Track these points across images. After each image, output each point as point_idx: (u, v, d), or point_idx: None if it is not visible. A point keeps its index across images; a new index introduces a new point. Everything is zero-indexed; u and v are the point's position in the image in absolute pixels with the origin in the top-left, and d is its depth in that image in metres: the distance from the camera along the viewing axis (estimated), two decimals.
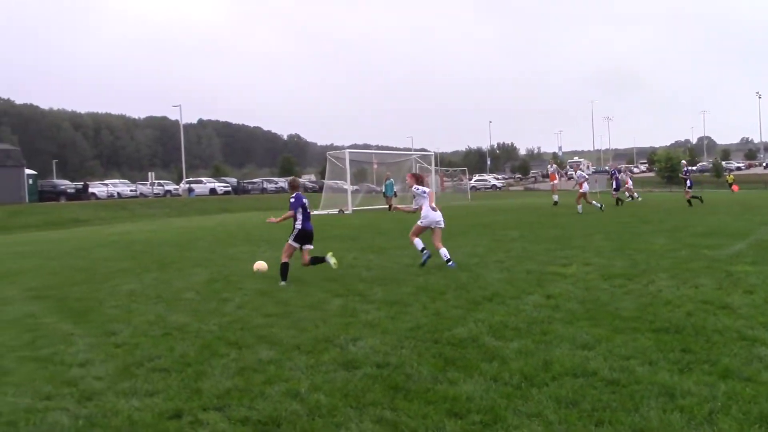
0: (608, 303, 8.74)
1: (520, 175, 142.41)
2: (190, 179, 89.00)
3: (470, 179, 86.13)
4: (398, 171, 47.05)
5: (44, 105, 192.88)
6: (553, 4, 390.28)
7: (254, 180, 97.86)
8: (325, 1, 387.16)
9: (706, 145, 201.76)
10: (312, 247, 12.45)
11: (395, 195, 38.04)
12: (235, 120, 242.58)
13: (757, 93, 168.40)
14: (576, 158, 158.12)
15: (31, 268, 15.90)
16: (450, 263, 12.63)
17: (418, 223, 13.38)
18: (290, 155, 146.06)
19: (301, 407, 5.40)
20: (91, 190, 69.58)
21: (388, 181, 37.41)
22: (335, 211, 38.15)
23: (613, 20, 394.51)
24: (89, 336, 8.29)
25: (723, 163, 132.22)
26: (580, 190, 28.95)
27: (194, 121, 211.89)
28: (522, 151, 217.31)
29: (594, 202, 28.69)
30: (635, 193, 38.16)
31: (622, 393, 5.36)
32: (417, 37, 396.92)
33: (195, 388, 6.01)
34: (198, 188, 77.85)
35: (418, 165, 48.30)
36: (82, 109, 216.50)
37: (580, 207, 28.13)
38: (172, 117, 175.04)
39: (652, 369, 5.91)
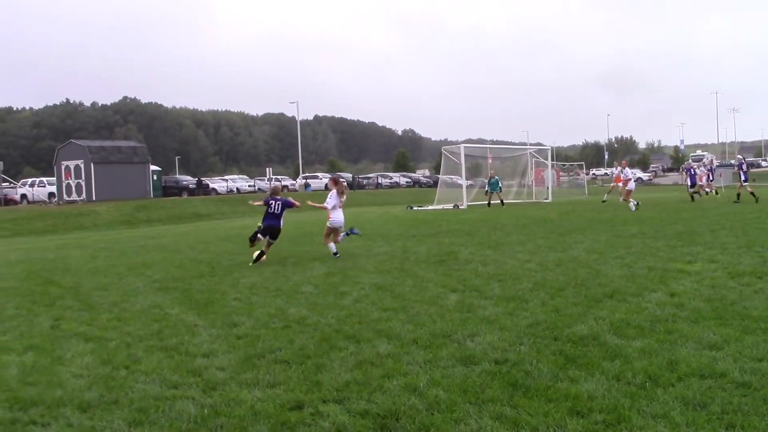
0: (736, 302, 8.39)
1: (638, 170, 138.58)
2: (307, 174, 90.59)
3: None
4: (514, 165, 46.68)
5: (168, 104, 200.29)
6: None
7: (369, 175, 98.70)
8: None
9: None
10: (273, 242, 15.37)
11: (500, 190, 37.65)
12: (350, 116, 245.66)
13: None
14: (699, 151, 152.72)
15: (156, 260, 16.53)
16: (336, 255, 14.95)
17: (328, 224, 15.38)
18: (404, 150, 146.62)
19: (420, 402, 5.42)
20: (211, 185, 71.70)
21: (493, 179, 37.10)
22: (450, 205, 38.12)
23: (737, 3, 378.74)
24: (212, 327, 8.56)
25: None
26: (627, 188, 29.02)
27: (310, 117, 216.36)
28: (641, 145, 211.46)
29: (631, 201, 28.29)
30: (708, 189, 36.50)
31: (754, 396, 5.14)
32: (528, 31, 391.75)
33: (315, 380, 6.11)
34: (314, 183, 79.04)
35: (534, 159, 47.72)
36: (203, 107, 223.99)
37: (632, 204, 27.85)
38: (289, 113, 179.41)
39: None
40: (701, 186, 35.84)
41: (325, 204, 15.36)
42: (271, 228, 15.05)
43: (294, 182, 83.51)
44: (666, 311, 8.07)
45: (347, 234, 16.00)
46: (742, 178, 30.68)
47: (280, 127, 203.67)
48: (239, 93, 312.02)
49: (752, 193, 30.20)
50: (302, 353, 7.05)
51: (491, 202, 36.89)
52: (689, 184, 34.67)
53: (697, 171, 35.97)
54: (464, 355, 6.60)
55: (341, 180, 16.77)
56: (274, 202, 15.19)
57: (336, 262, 14.17)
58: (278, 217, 15.13)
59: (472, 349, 6.81)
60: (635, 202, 27.87)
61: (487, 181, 38.55)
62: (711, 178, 31.32)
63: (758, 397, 5.11)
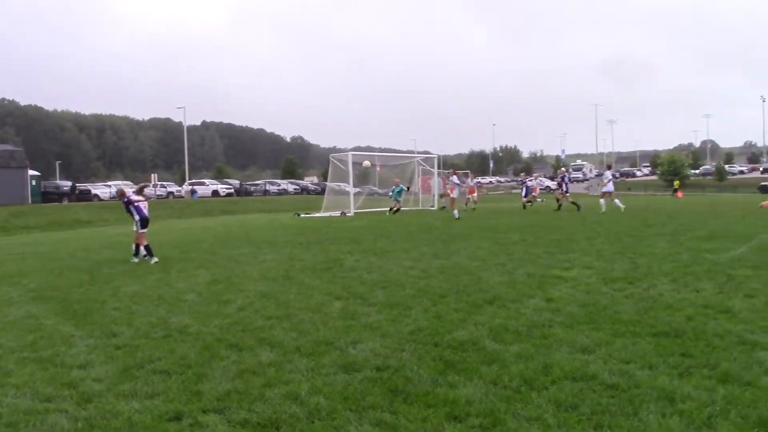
0: (608, 307, 8.74)
1: (519, 178, 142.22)
2: (193, 181, 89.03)
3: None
4: (402, 173, 47.09)
5: (48, 106, 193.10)
6: (553, 6, 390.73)
7: (257, 182, 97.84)
8: (327, 3, 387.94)
9: (709, 148, 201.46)
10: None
11: (398, 201, 38.48)
12: (238, 122, 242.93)
13: (762, 97, 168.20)
14: (579, 161, 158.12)
15: (33, 269, 15.92)
16: (134, 259, 16.17)
17: (141, 231, 16.30)
18: (293, 157, 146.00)
19: (301, 410, 5.41)
20: (93, 191, 69.53)
21: (397, 187, 38.03)
22: (337, 213, 38.19)
23: (615, 21, 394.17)
24: (90, 338, 8.31)
25: (726, 166, 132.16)
26: (451, 195, 31.80)
27: (198, 122, 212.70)
28: (525, 154, 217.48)
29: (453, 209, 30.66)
30: (539, 199, 41.04)
31: (621, 397, 5.37)
32: (419, 38, 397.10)
33: (195, 390, 6.02)
34: (201, 190, 77.85)
35: (421, 167, 48.31)
36: (86, 110, 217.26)
37: (455, 212, 30.05)
38: (176, 119, 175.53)
39: (651, 373, 5.92)
40: (534, 196, 39.46)
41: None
42: (146, 219, 16.69)
43: (180, 188, 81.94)
44: (543, 316, 8.32)
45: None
46: (564, 189, 33.40)
47: (166, 132, 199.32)
48: (124, 97, 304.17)
49: (573, 203, 32.67)
50: (183, 363, 6.93)
51: (394, 209, 37.56)
52: (523, 194, 38.39)
53: (529, 183, 39.98)
54: (346, 362, 6.63)
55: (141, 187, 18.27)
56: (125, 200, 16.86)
57: (222, 270, 13.97)
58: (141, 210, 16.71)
59: (355, 356, 6.85)
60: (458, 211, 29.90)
61: (391, 189, 39.73)
62: (566, 189, 33.66)
63: (625, 398, 5.34)
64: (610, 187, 31.54)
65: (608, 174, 32.85)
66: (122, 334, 8.38)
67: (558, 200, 34.74)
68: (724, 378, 5.69)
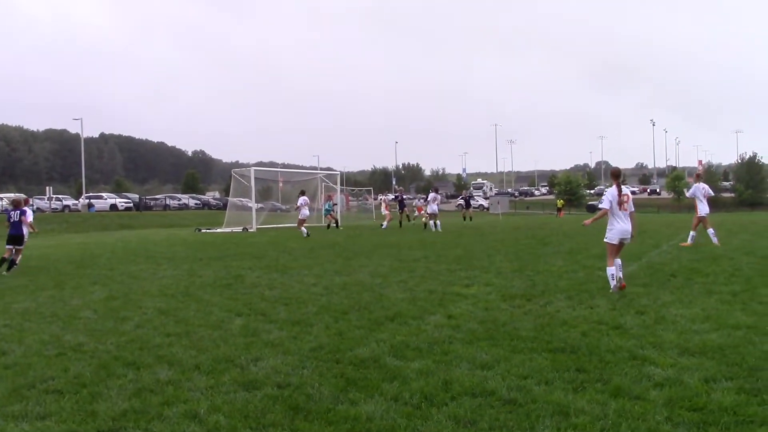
0: (507, 323, 8.91)
1: (424, 196, 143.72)
2: (90, 194, 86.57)
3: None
4: (305, 189, 47.01)
5: None
6: (459, 27, 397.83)
7: (157, 196, 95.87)
8: (227, 17, 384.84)
9: (603, 169, 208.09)
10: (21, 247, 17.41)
11: (336, 223, 39.59)
12: (138, 135, 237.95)
13: (652, 120, 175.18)
14: (479, 180, 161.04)
15: None
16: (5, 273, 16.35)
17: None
18: (194, 171, 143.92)
19: (200, 429, 5.32)
20: None
21: (329, 202, 39.17)
22: (239, 228, 37.82)
23: (511, 45, 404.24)
24: None
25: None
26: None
27: (96, 135, 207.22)
28: (427, 172, 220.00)
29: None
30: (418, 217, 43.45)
31: (518, 412, 5.47)
32: (323, 55, 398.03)
33: (90, 410, 5.84)
34: (98, 204, 75.64)
35: (324, 184, 48.32)
36: None
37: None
38: (72, 130, 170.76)
39: (548, 388, 6.06)
40: (416, 216, 42.81)
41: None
42: (12, 236, 17.11)
43: (76, 202, 79.49)
44: (443, 333, 8.42)
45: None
46: (472, 205, 37.14)
47: (62, 144, 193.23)
48: (18, 107, 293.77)
49: (465, 218, 37.63)
50: (77, 382, 6.71)
51: (330, 224, 38.46)
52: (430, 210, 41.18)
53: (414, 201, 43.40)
54: (247, 379, 6.55)
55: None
56: (14, 212, 17.47)
57: (119, 286, 13.62)
58: (17, 226, 17.29)
59: (255, 373, 6.78)
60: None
61: (324, 204, 41.15)
62: (468, 205, 37.92)
63: (522, 413, 5.44)
64: (434, 208, 33.13)
65: (433, 195, 34.30)
66: (12, 353, 8.06)
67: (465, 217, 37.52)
68: (616, 392, 5.87)
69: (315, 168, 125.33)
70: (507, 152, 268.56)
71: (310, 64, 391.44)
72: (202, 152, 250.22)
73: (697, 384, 6.03)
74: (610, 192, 11.91)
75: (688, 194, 12.10)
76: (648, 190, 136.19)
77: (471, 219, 42.19)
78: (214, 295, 12.12)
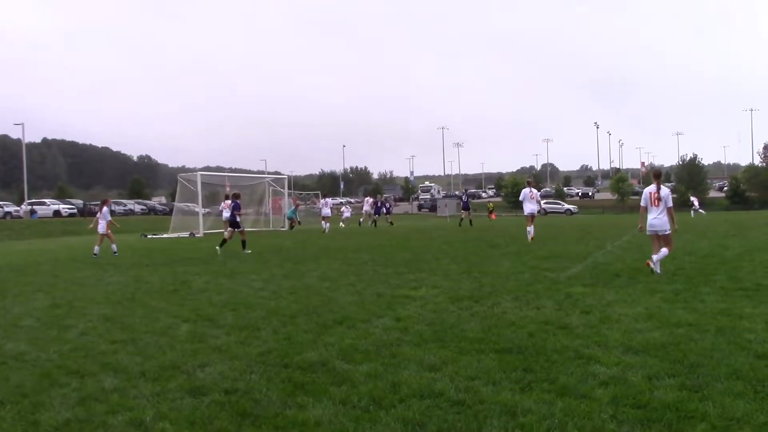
0: (455, 325, 8.95)
1: (387, 195, 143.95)
2: (33, 201, 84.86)
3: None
4: (252, 194, 46.69)
5: None
6: (400, 32, 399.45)
7: None
8: (164, 17, 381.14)
9: (549, 171, 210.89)
10: None
11: (299, 222, 41.39)
12: (82, 140, 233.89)
13: (596, 123, 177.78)
14: (427, 182, 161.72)
15: None
16: None
17: None
18: (140, 177, 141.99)
19: None
20: None
21: (292, 207, 41.22)
22: (186, 234, 37.44)
23: (456, 50, 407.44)
24: None
25: (564, 189, 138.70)
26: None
27: (38, 140, 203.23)
28: (375, 176, 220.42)
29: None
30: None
31: (467, 413, 5.49)
32: (269, 58, 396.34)
33: (32, 420, 5.71)
34: (41, 210, 74.31)
35: (271, 188, 48.06)
36: None
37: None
38: (14, 135, 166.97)
39: (495, 389, 6.09)
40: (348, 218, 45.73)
41: None
42: None
43: (19, 208, 77.83)
44: (392, 335, 8.42)
45: None
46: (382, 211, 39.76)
47: (3, 149, 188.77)
48: None
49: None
50: (18, 392, 6.55)
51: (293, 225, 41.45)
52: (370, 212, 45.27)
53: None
54: (194, 386, 6.47)
55: None
56: None
57: (63, 293, 13.36)
58: None
59: (202, 379, 6.70)
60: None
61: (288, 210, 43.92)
62: (378, 212, 42.66)
63: (470, 414, 5.47)
64: (327, 212, 39.83)
65: (327, 200, 41.77)
66: None
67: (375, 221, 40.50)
68: (562, 391, 5.93)
69: (263, 172, 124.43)
70: (454, 155, 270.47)
71: (256, 69, 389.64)
72: (148, 157, 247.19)
73: (640, 382, 6.11)
74: (645, 191, 13.79)
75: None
76: (581, 194, 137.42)
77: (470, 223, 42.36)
78: (161, 301, 11.97)
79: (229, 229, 24.05)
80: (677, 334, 7.97)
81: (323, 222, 39.03)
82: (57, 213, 74.88)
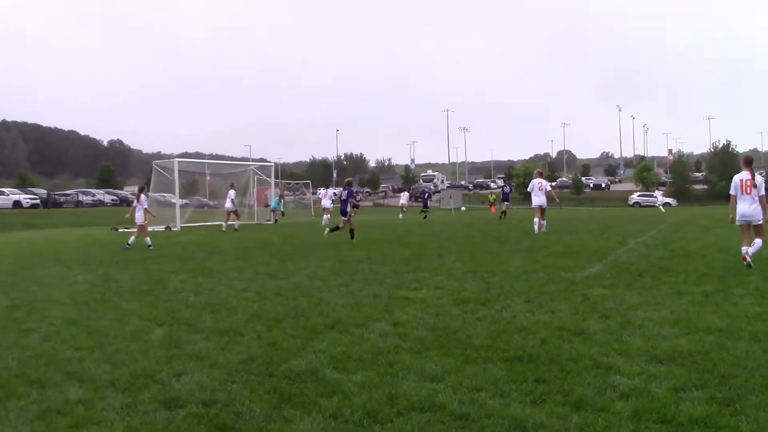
0: (459, 330, 8.95)
1: (368, 190, 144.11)
2: None
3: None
4: (236, 183, 46.70)
5: None
6: (400, 7, 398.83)
7: (68, 192, 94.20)
8: None
9: (566, 159, 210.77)
10: None
11: (283, 213, 41.32)
12: (46, 122, 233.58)
13: (618, 106, 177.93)
14: (430, 171, 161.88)
15: None
16: None
17: None
18: (110, 164, 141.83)
19: None
20: None
21: (277, 197, 41.13)
22: (162, 227, 37.41)
23: (460, 24, 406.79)
24: None
25: (583, 179, 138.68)
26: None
27: None
28: (372, 163, 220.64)
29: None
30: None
31: (471, 428, 5.50)
32: (255, 37, 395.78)
33: None
34: (0, 200, 74.22)
35: (256, 177, 48.04)
36: None
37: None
38: None
39: (503, 401, 6.09)
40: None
41: None
42: None
43: None
44: (389, 342, 8.42)
45: None
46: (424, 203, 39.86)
47: None
48: None
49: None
50: None
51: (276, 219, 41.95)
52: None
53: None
54: (168, 397, 6.47)
55: None
56: None
57: (23, 293, 13.35)
58: None
59: (178, 389, 6.70)
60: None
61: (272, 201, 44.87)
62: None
63: (475, 428, 5.47)
64: (327, 203, 42.06)
65: (328, 191, 43.97)
66: None
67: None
68: (578, 404, 5.93)
69: (246, 159, 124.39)
70: (460, 141, 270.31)
71: (242, 48, 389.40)
72: (120, 142, 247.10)
73: (665, 394, 6.12)
74: (735, 178, 14.52)
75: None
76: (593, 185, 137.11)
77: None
78: (133, 302, 11.97)
79: (342, 219, 26.21)
80: (707, 341, 7.98)
81: (324, 215, 40.88)
82: (17, 204, 74.57)
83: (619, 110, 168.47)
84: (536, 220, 26.16)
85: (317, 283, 13.53)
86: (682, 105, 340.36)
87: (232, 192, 36.45)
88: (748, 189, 14.12)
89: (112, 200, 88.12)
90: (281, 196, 43.26)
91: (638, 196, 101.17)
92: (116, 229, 38.49)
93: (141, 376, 7.21)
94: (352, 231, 25.38)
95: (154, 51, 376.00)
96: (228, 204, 36.04)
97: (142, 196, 25.64)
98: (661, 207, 64.59)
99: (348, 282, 13.62)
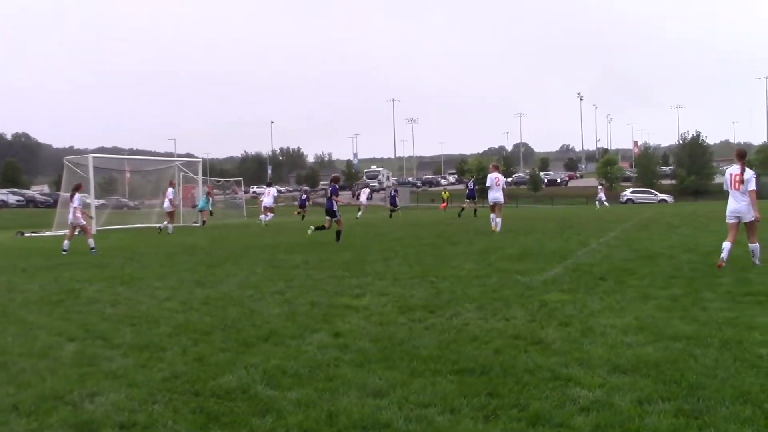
0: (405, 341, 8.98)
1: (307, 187, 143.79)
2: None
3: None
4: (158, 181, 46.30)
5: None
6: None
7: None
8: None
9: (522, 153, 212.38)
10: None
11: (211, 213, 41.25)
12: None
13: (578, 94, 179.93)
14: (374, 166, 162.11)
15: None
16: None
17: None
18: (14, 159, 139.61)
19: None
20: None
21: (204, 196, 41.04)
22: (76, 231, 36.98)
23: (408, 9, 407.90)
24: None
25: (541, 174, 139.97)
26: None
27: None
28: (310, 158, 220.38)
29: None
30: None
31: None
32: (181, 23, 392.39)
33: None
34: None
35: (182, 174, 47.65)
36: None
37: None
38: None
39: (453, 417, 6.13)
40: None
41: None
42: None
43: None
44: (328, 354, 8.42)
45: None
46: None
47: None
48: None
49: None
50: None
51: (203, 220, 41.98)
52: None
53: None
54: (80, 420, 6.39)
55: None
56: None
57: None
58: None
59: (92, 412, 6.62)
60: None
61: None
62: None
63: None
64: (269, 202, 43.53)
65: (272, 190, 46.32)
66: None
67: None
68: (535, 419, 5.99)
69: (171, 155, 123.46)
70: (407, 134, 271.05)
71: (166, 35, 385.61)
72: (26, 135, 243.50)
73: (629, 407, 6.20)
74: (726, 173, 15.29)
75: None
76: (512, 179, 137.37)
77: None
78: (41, 314, 11.81)
79: (327, 218, 26.35)
80: (674, 349, 8.11)
81: (265, 214, 41.75)
82: None
83: (581, 99, 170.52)
84: (493, 216, 26.64)
85: (249, 291, 13.47)
86: (649, 93, 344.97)
87: (170, 191, 36.89)
88: (737, 184, 14.59)
89: (18, 201, 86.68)
90: (209, 194, 42.84)
91: (631, 192, 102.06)
92: (22, 234, 37.95)
93: (49, 398, 7.11)
94: (338, 233, 25.37)
95: (67, 33, 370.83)
96: (166, 204, 36.58)
97: (76, 195, 25.73)
98: (599, 204, 65.53)
99: (283, 289, 13.59)
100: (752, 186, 14.55)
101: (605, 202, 66.92)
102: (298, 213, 54.71)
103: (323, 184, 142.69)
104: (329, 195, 26.16)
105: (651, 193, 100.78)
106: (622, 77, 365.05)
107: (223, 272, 16.71)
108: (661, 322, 9.58)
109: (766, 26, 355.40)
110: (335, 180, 27.07)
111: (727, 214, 14.96)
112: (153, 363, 8.35)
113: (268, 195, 44.57)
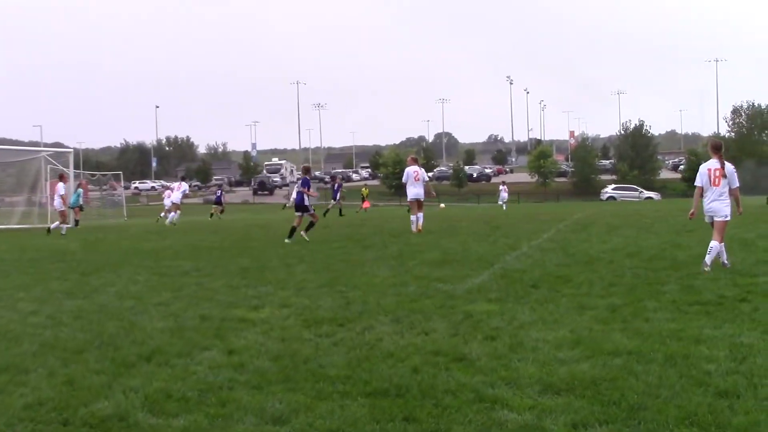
0: (310, 359, 8.97)
1: (198, 183, 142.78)
2: None
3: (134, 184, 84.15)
4: (21, 175, 45.48)
5: None
6: None
7: None
8: None
9: (445, 144, 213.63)
10: None
11: (81, 209, 40.38)
12: None
13: (509, 78, 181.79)
14: (275, 159, 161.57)
15: None
16: None
17: None
18: None
19: None
20: None
21: (77, 192, 40.01)
22: None
23: None
24: None
25: (466, 168, 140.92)
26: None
27: None
28: (202, 149, 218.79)
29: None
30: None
31: None
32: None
33: None
34: None
35: (50, 166, 46.89)
36: None
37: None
38: None
39: None
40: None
41: None
42: None
43: None
44: (221, 375, 8.36)
45: None
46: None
47: None
48: None
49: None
50: None
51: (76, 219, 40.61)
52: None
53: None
54: None
55: None
56: None
57: None
58: None
59: None
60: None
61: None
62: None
63: None
64: (177, 197, 43.57)
65: (182, 184, 46.05)
66: None
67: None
68: None
69: (37, 144, 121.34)
70: (313, 122, 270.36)
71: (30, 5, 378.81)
72: None
73: (562, 431, 6.29)
74: (702, 168, 15.52)
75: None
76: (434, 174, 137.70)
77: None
78: None
79: (297, 214, 26.40)
80: (613, 366, 8.23)
81: (172, 213, 43.09)
82: None
83: (511, 83, 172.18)
84: (413, 217, 26.72)
85: (129, 303, 13.32)
86: (587, 77, 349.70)
87: (60, 186, 35.97)
88: (717, 180, 14.98)
89: None
90: (81, 185, 41.95)
91: (613, 189, 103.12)
92: None
93: None
94: (311, 224, 26.32)
95: None
96: (57, 202, 35.75)
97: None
98: (504, 204, 66.82)
99: (169, 300, 13.46)
100: (736, 183, 15.07)
101: (505, 203, 68.09)
102: (214, 212, 55.69)
103: (216, 179, 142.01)
104: (300, 188, 26.26)
105: (636, 190, 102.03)
106: (557, 59, 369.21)
107: (98, 281, 16.47)
108: (599, 335, 9.72)
109: (716, 4, 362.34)
110: (306, 171, 27.71)
111: (705, 212, 15.35)
112: (13, 388, 8.18)
113: (178, 189, 44.08)
